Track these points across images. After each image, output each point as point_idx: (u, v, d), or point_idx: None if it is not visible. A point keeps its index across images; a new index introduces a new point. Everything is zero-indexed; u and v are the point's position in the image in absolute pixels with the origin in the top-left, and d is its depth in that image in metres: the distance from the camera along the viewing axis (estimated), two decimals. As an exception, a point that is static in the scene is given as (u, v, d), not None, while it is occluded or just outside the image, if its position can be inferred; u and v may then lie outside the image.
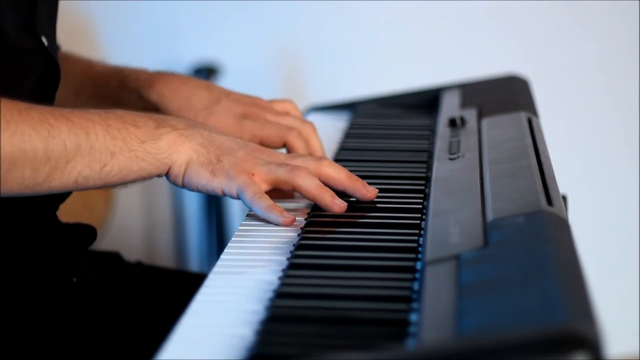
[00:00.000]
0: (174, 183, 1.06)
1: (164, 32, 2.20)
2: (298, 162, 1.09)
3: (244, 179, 1.05)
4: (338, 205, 1.07)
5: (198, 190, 1.06)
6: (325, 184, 1.08)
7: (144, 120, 1.04)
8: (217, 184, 1.05)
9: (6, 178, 0.94)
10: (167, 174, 1.05)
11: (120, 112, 1.03)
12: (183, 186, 1.06)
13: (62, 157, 0.97)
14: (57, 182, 0.98)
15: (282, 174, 1.07)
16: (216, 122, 1.22)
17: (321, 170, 1.09)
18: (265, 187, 1.07)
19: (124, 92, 1.27)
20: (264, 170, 1.07)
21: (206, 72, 2.18)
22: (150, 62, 2.19)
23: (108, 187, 1.03)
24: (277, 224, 1.05)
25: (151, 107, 1.24)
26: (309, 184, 1.07)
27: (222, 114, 1.23)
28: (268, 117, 1.23)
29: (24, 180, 0.96)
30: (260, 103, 1.26)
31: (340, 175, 1.10)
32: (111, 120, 1.01)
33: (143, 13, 2.19)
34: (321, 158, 1.11)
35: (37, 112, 0.97)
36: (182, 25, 2.21)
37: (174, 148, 1.04)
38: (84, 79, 1.30)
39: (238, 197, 1.06)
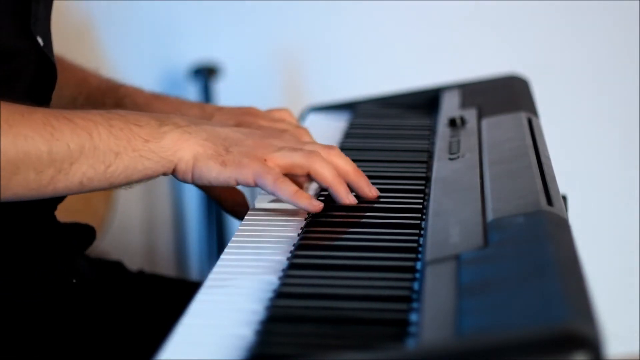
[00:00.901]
0: (183, 180, 1.05)
1: (164, 32, 2.20)
2: (309, 147, 1.08)
3: (258, 165, 1.04)
4: (350, 200, 1.07)
5: (210, 184, 1.05)
6: None
7: (147, 120, 1.03)
8: (229, 174, 1.04)
9: (10, 182, 0.94)
10: (174, 172, 1.04)
11: (122, 112, 1.03)
12: (193, 182, 1.05)
13: (66, 159, 0.96)
14: (61, 184, 0.97)
15: (297, 158, 1.06)
16: None
17: (330, 159, 1.08)
18: (279, 172, 1.05)
19: None
20: (278, 156, 1.05)
21: (206, 72, 2.18)
22: (150, 62, 2.21)
23: (113, 188, 1.02)
24: (306, 210, 1.05)
25: None
26: (326, 172, 1.06)
27: None
28: (261, 123, 1.22)
29: (28, 183, 0.95)
30: (253, 111, 1.26)
31: (348, 167, 1.09)
32: (114, 121, 1.01)
33: (143, 13, 2.19)
34: (331, 147, 1.10)
35: (40, 114, 0.96)
36: (182, 25, 2.21)
37: (179, 145, 1.03)
38: (78, 91, 1.30)
39: (255, 185, 1.04)
